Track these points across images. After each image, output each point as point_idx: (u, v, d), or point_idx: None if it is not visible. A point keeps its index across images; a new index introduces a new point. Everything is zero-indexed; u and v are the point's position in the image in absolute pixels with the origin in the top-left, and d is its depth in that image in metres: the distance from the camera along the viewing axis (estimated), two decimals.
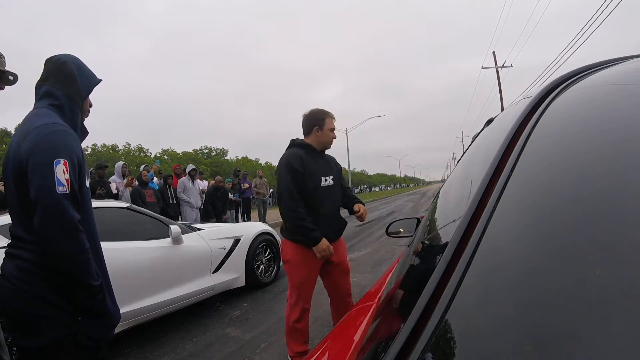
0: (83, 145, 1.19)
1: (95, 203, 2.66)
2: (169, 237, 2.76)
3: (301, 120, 2.00)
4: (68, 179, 0.98)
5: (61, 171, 0.97)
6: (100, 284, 1.06)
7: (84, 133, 1.20)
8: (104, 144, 31.48)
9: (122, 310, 2.23)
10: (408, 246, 1.07)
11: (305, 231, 1.82)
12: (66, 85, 1.10)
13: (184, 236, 2.89)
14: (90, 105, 1.23)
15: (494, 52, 16.83)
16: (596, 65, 0.59)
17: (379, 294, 0.87)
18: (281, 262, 3.94)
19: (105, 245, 2.29)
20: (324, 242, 1.84)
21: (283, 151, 2.00)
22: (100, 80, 1.23)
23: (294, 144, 1.99)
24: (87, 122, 1.22)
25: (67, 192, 0.98)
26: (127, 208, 2.79)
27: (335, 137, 2.01)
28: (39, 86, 1.11)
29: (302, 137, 2.03)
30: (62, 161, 0.98)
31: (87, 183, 1.13)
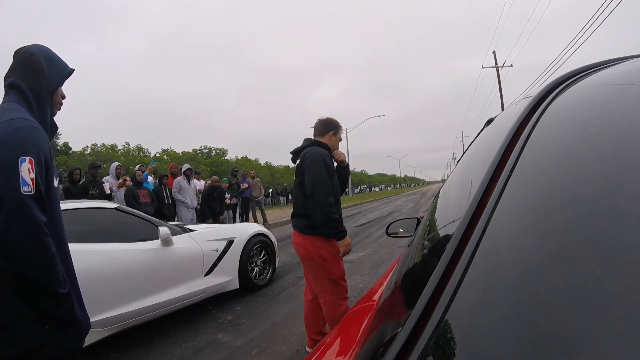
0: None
1: (83, 203, 2.62)
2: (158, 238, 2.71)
3: (317, 123, 2.12)
4: (33, 178, 0.91)
5: (26, 170, 0.90)
6: (68, 291, 0.99)
7: (53, 129, 1.11)
8: (103, 143, 31.41)
9: (109, 315, 2.25)
10: (408, 246, 1.07)
11: (337, 224, 1.88)
12: (33, 78, 1.03)
13: (174, 238, 2.83)
14: (63, 97, 1.14)
15: (494, 52, 16.84)
16: (596, 65, 0.59)
17: (379, 294, 0.87)
18: (276, 263, 3.92)
19: (92, 247, 2.32)
20: (348, 237, 1.94)
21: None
22: (72, 70, 1.14)
23: (318, 143, 2.03)
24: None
25: (33, 192, 0.90)
26: (115, 209, 2.74)
27: (338, 148, 2.15)
28: (6, 78, 1.05)
29: (305, 138, 2.14)
30: (27, 159, 0.91)
31: (56, 183, 1.06)
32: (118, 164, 5.70)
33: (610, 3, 7.40)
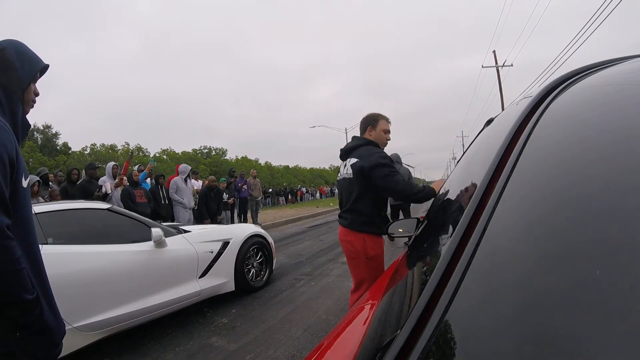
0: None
1: (74, 204, 2.59)
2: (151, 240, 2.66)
3: (361, 119, 2.19)
4: None
5: None
6: (36, 296, 0.94)
7: (25, 127, 1.07)
8: (102, 143, 31.45)
9: (100, 318, 2.23)
10: (408, 246, 1.07)
11: (421, 194, 1.93)
12: (2, 74, 0.99)
13: (168, 239, 2.78)
14: (37, 94, 1.10)
15: (494, 51, 16.82)
16: (596, 65, 0.59)
17: (379, 294, 0.87)
18: (273, 265, 3.88)
19: (83, 249, 2.32)
20: None
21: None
22: (47, 66, 1.10)
23: (372, 142, 2.09)
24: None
25: None
26: (107, 209, 2.69)
27: (389, 139, 2.16)
28: None
29: (353, 136, 2.22)
30: None
31: (25, 183, 1.00)
32: (114, 163, 5.64)
33: (611, 2, 7.39)
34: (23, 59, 1.03)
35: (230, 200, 7.30)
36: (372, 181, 1.92)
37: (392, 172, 1.91)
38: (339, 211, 2.20)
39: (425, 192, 1.94)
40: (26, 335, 0.94)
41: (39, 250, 1.03)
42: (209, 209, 6.30)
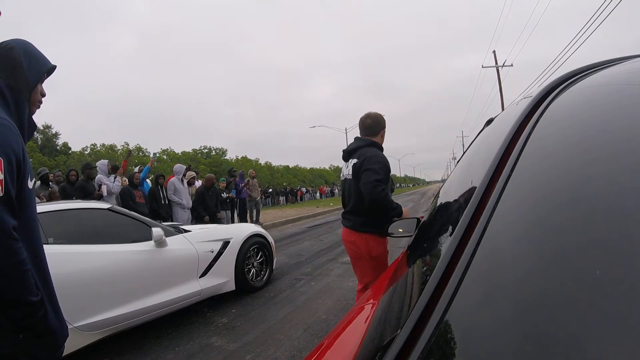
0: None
1: (75, 204, 2.60)
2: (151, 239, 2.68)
3: (366, 120, 2.10)
4: (2, 180, 0.85)
5: None
6: (40, 298, 0.93)
7: (31, 128, 1.06)
8: (102, 143, 31.46)
9: (100, 318, 2.24)
10: (408, 246, 1.07)
11: (397, 209, 1.90)
12: (10, 74, 0.98)
13: (168, 239, 2.80)
14: (43, 95, 1.09)
15: (494, 51, 16.82)
16: (596, 65, 0.59)
17: (379, 294, 0.87)
18: (273, 265, 3.88)
19: (84, 249, 2.33)
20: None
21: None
22: (53, 66, 1.10)
23: (376, 144, 2.05)
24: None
25: (1, 195, 0.85)
26: (108, 209, 2.70)
27: None
28: None
29: (356, 137, 2.16)
30: None
31: (30, 184, 1.00)
32: (108, 160, 5.65)
33: (611, 2, 7.38)
34: (30, 59, 1.02)
35: (231, 195, 7.26)
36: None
37: (378, 183, 1.86)
38: (342, 211, 2.19)
39: (397, 210, 1.89)
40: (29, 337, 0.93)
41: (44, 252, 1.03)
42: (207, 208, 6.27)
